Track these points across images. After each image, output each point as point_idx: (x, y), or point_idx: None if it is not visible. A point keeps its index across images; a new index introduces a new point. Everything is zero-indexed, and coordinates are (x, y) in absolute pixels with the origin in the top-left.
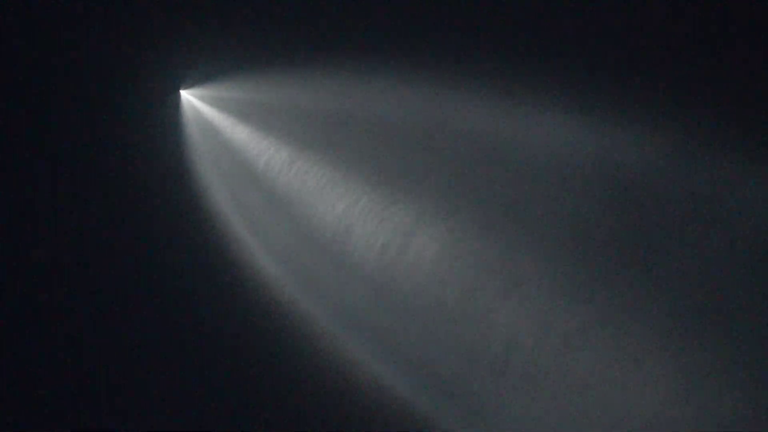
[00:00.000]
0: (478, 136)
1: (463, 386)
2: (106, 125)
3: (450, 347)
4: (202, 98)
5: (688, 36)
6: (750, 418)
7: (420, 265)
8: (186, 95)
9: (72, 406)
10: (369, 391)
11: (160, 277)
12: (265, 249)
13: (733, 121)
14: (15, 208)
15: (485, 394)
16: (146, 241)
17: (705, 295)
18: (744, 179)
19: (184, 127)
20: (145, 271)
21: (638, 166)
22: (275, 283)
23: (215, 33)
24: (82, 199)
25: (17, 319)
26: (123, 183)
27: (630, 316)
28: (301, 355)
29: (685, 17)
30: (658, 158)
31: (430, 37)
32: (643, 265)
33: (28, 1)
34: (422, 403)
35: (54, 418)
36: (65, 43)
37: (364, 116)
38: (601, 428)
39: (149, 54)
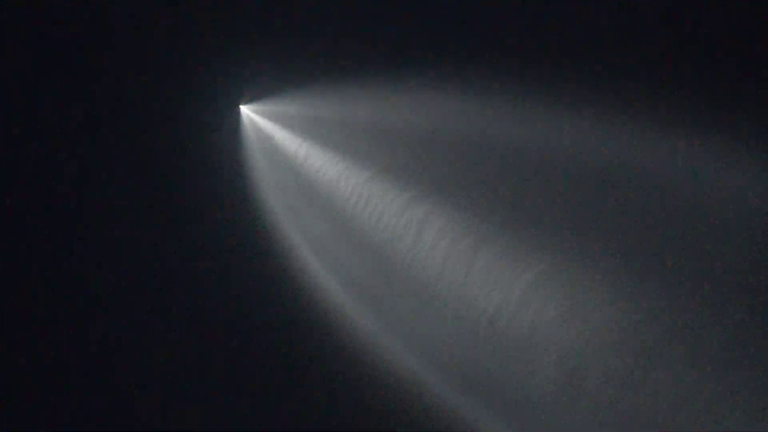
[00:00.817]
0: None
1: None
2: (167, 141)
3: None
4: (262, 113)
5: (683, 41)
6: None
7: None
8: (246, 110)
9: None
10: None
11: (220, 294)
12: (326, 270)
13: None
14: (77, 227)
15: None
16: (208, 258)
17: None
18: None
19: (245, 143)
20: (206, 287)
21: (653, 169)
22: (335, 298)
23: (275, 47)
24: (143, 217)
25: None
26: (183, 199)
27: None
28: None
29: (685, 23)
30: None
31: (483, 53)
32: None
33: (89, 16)
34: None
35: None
36: (125, 60)
37: (417, 131)
38: None
39: (208, 69)
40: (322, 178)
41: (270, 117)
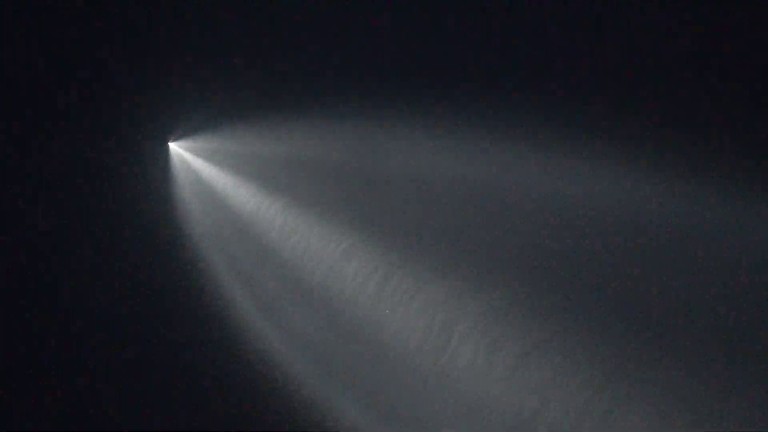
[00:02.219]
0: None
1: None
2: (94, 179)
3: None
4: (191, 150)
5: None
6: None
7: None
8: (175, 147)
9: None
10: None
11: (151, 325)
12: (253, 301)
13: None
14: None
15: None
16: (137, 294)
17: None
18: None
19: (174, 180)
20: (134, 323)
21: (642, 207)
22: (261, 335)
23: (204, 83)
24: (70, 253)
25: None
26: (112, 237)
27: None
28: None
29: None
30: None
31: (429, 89)
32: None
33: (20, 48)
34: None
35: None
36: (51, 94)
37: (355, 166)
38: None
39: (136, 105)
40: (249, 211)
41: (198, 153)
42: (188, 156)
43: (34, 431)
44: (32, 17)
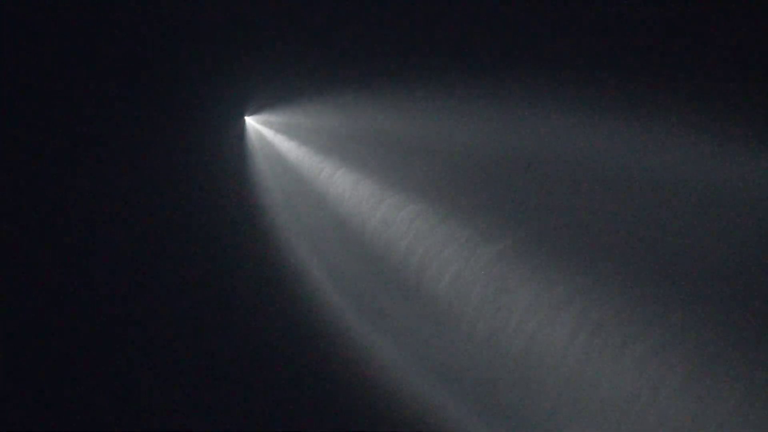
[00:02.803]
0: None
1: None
2: (170, 154)
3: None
4: (267, 124)
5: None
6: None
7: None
8: (251, 121)
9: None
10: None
11: (225, 303)
12: (329, 277)
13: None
14: (79, 244)
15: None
16: (213, 271)
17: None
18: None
19: (250, 154)
20: (208, 294)
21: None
22: (337, 311)
23: (280, 57)
24: (147, 228)
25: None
26: (189, 212)
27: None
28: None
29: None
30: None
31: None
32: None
33: (93, 25)
34: None
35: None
36: (126, 69)
37: (430, 141)
38: None
39: (212, 79)
40: (329, 188)
41: (275, 128)
42: (264, 130)
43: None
44: None
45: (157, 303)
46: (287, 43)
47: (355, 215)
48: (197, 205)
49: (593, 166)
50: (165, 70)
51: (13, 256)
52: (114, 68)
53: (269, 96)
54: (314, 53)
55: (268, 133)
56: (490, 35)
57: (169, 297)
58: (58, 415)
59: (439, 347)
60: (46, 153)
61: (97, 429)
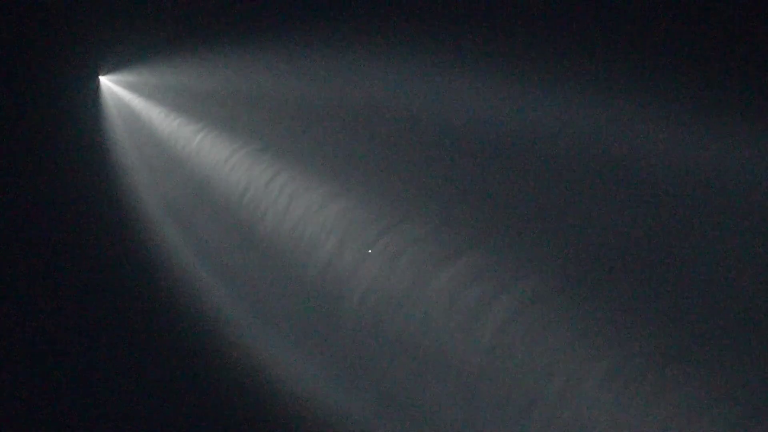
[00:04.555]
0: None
1: None
2: (22, 116)
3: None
4: (121, 83)
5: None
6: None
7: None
8: (105, 81)
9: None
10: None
11: (79, 266)
12: (186, 239)
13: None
14: None
15: None
16: (68, 230)
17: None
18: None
19: (105, 115)
20: (66, 261)
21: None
22: (194, 273)
23: (132, 16)
24: (1, 190)
25: None
26: (43, 172)
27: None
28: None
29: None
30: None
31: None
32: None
33: None
34: None
35: None
36: None
37: (294, 100)
38: None
39: (64, 38)
40: (185, 148)
41: (130, 87)
42: (119, 90)
43: None
44: None
45: (10, 274)
46: (141, 2)
47: (212, 175)
48: (52, 168)
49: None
50: (16, 33)
51: None
52: None
53: (123, 55)
54: (167, 12)
55: (123, 93)
56: None
57: (22, 267)
58: None
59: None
60: None
61: None
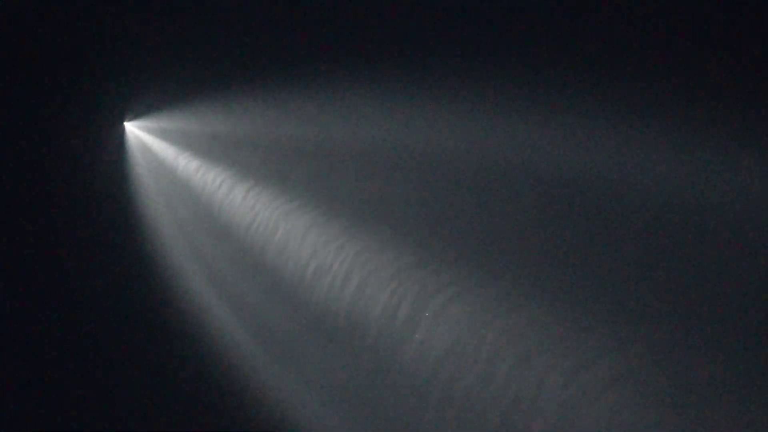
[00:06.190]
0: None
1: None
2: (49, 161)
3: None
4: (147, 130)
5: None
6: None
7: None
8: (130, 128)
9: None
10: None
11: (107, 308)
12: (209, 282)
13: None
14: None
15: None
16: (93, 279)
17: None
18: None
19: (129, 161)
20: (91, 311)
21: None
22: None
23: (160, 62)
24: (26, 234)
25: None
26: (68, 219)
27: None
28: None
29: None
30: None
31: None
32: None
33: None
34: None
35: None
36: (3, 73)
37: (319, 146)
38: None
39: (90, 84)
40: (209, 193)
41: (154, 133)
42: (144, 136)
43: None
44: None
45: (37, 307)
46: (166, 48)
47: (236, 219)
48: (77, 213)
49: (480, 161)
50: (41, 79)
51: None
52: None
53: (148, 102)
54: (192, 59)
55: (148, 139)
56: (370, 32)
57: (49, 301)
58: None
59: (318, 356)
60: None
61: None
